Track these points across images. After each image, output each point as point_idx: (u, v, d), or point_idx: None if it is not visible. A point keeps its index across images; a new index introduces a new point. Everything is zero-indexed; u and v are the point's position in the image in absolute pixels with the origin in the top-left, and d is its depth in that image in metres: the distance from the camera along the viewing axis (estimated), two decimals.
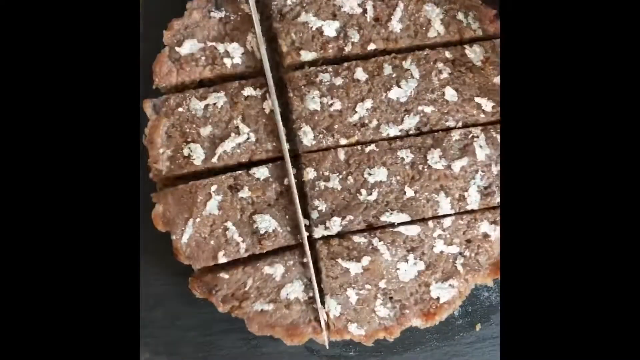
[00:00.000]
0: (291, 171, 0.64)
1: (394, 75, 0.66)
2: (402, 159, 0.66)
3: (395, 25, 0.67)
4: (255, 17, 0.64)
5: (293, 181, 0.64)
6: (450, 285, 0.66)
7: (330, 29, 0.66)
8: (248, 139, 0.64)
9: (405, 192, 0.65)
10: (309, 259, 0.64)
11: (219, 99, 0.65)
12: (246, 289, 0.64)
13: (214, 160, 0.64)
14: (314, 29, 0.66)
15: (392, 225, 0.66)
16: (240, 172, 0.64)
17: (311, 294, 0.65)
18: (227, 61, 0.64)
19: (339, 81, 0.66)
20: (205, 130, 0.64)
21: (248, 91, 0.65)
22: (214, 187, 0.64)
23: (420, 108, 0.66)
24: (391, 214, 0.66)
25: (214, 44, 0.64)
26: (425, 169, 0.66)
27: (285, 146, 0.64)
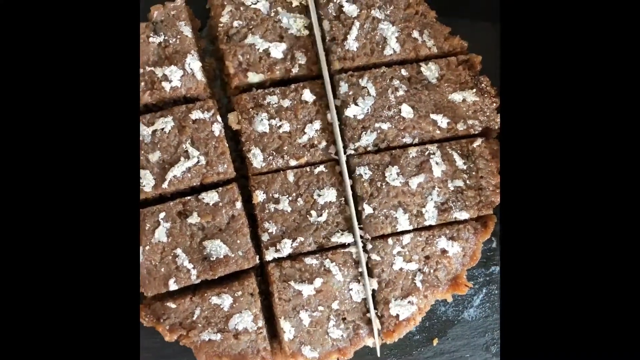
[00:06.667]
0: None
1: (350, 93, 0.66)
2: (361, 175, 0.66)
3: (352, 44, 0.66)
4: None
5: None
6: (409, 302, 0.66)
7: (277, 50, 0.66)
8: (198, 162, 0.64)
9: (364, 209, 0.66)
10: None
11: (166, 123, 0.64)
12: (194, 318, 0.64)
13: (165, 185, 0.64)
14: (260, 50, 0.66)
15: (343, 245, 0.66)
16: (189, 197, 0.64)
17: (260, 324, 0.65)
18: (166, 85, 0.64)
19: (286, 103, 0.66)
20: (154, 156, 0.64)
21: (196, 114, 0.64)
22: (162, 215, 0.64)
23: (377, 125, 0.66)
24: (342, 234, 0.66)
25: (152, 68, 0.64)
26: (384, 186, 0.66)
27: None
